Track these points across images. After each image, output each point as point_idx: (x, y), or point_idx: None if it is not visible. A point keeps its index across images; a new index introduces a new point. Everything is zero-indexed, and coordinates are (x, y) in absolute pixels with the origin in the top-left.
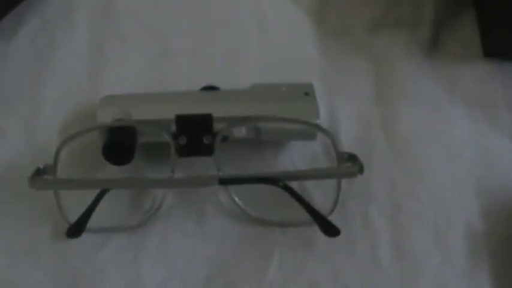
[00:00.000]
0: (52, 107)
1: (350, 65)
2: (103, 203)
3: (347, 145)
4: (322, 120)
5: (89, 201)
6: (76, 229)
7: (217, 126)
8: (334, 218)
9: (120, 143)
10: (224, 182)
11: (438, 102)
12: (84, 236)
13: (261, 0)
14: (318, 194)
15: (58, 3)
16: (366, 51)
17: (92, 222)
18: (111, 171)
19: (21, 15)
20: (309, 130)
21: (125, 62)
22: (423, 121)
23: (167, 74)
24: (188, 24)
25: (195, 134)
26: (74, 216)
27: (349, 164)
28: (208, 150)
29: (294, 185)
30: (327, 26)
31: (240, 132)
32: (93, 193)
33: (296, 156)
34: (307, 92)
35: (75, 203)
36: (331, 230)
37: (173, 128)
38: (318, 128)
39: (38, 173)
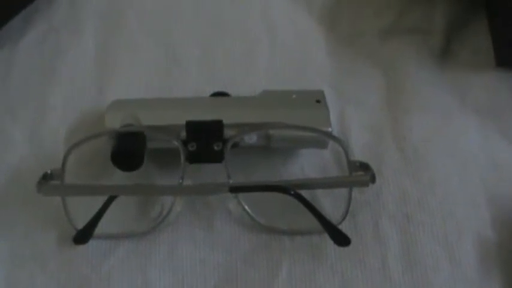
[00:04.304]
0: (58, 113)
1: (361, 72)
2: (111, 209)
3: (357, 153)
4: (333, 128)
5: (96, 207)
6: (83, 235)
7: (227, 132)
8: (344, 227)
9: (129, 149)
10: (235, 190)
11: (449, 111)
12: (92, 242)
13: (271, 7)
14: (328, 202)
15: (65, 8)
16: (376, 59)
17: (100, 228)
18: (119, 177)
19: (28, 19)
20: (321, 138)
21: (132, 68)
22: (434, 129)
23: (176, 81)
24: (198, 30)
25: (205, 140)
26: (81, 223)
27: (361, 173)
28: (218, 157)
29: (304, 193)
30: (337, 33)
31: (251, 139)
32: (101, 199)
33: (306, 164)
34: (318, 100)
35: (82, 209)
36: (341, 239)
37: (183, 134)
38: (330, 136)
39: (45, 178)
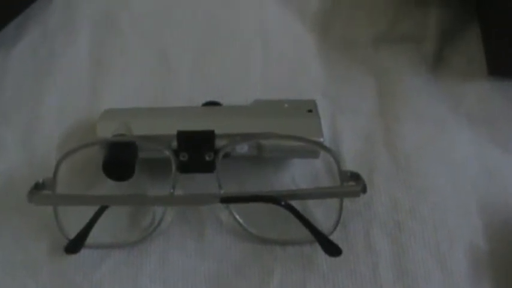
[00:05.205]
0: (51, 120)
1: (354, 80)
2: (102, 219)
3: (349, 161)
4: (325, 136)
5: (87, 217)
6: (75, 245)
7: (219, 142)
8: (335, 237)
9: (120, 159)
10: (225, 200)
11: (442, 119)
12: (83, 251)
13: (264, 16)
14: (320, 212)
15: (60, 14)
16: (369, 67)
17: (91, 238)
18: (111, 186)
19: (23, 25)
20: (312, 148)
21: (126, 75)
22: (426, 138)
23: (169, 88)
24: (191, 38)
25: (196, 150)
26: (72, 232)
27: (352, 183)
28: (209, 167)
29: (295, 202)
30: (330, 42)
31: (242, 149)
32: (92, 208)
33: (297, 174)
34: (310, 109)
35: (74, 218)
36: (333, 250)
37: (174, 144)
38: (322, 146)
39: (37, 187)
